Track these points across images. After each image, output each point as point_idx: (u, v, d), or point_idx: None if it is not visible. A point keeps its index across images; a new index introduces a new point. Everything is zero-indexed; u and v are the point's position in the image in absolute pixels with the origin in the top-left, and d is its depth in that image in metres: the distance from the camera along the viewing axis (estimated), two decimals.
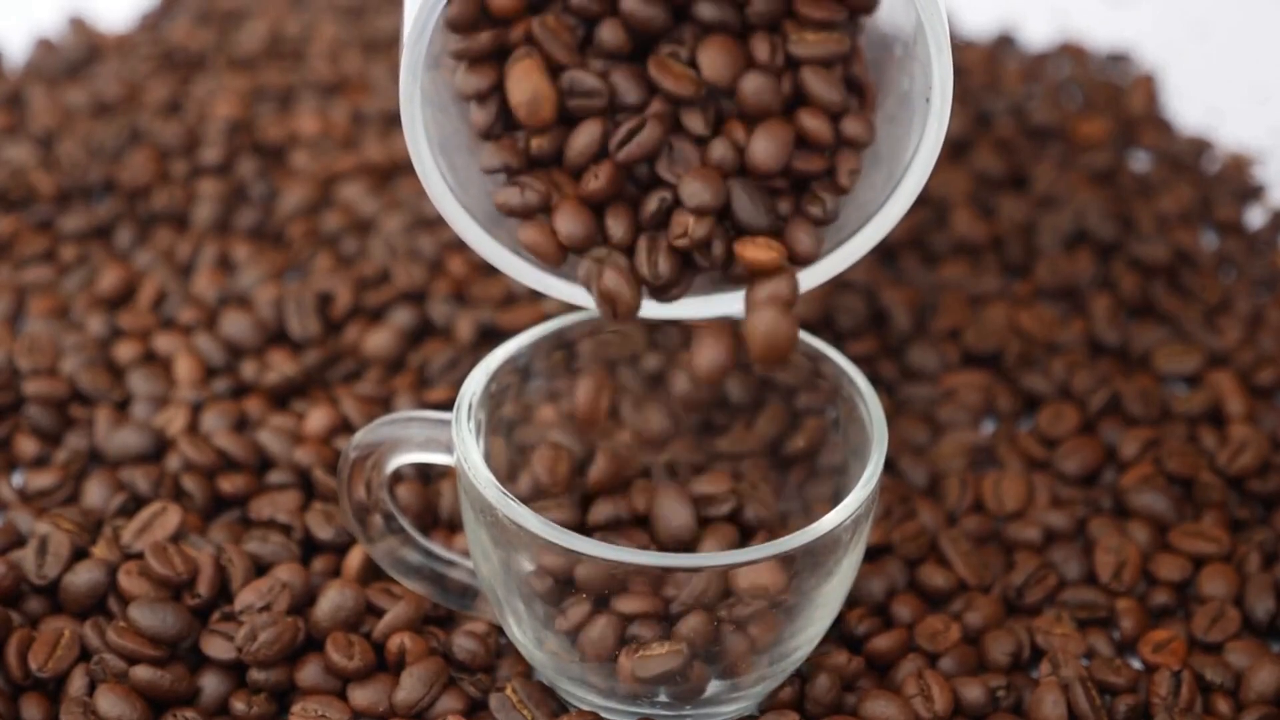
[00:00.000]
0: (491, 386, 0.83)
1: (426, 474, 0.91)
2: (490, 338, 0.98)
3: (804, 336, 0.85)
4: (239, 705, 0.81)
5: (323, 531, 0.88)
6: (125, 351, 0.98)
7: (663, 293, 0.81)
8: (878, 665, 0.84)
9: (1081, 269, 1.04)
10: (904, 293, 1.02)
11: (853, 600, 0.86)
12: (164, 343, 0.98)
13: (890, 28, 0.82)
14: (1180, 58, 1.24)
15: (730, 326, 0.83)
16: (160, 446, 0.92)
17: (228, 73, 1.18)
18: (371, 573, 0.86)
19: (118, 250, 1.05)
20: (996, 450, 0.95)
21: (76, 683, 0.81)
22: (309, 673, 0.82)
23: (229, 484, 0.90)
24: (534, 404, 0.86)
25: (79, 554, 0.86)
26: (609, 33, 0.79)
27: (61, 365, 0.96)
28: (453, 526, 0.89)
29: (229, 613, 0.83)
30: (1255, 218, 1.12)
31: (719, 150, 0.80)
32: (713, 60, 0.79)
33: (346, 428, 0.93)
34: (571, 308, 0.84)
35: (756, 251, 0.80)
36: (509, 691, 0.81)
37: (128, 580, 0.83)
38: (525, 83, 0.79)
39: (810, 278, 0.82)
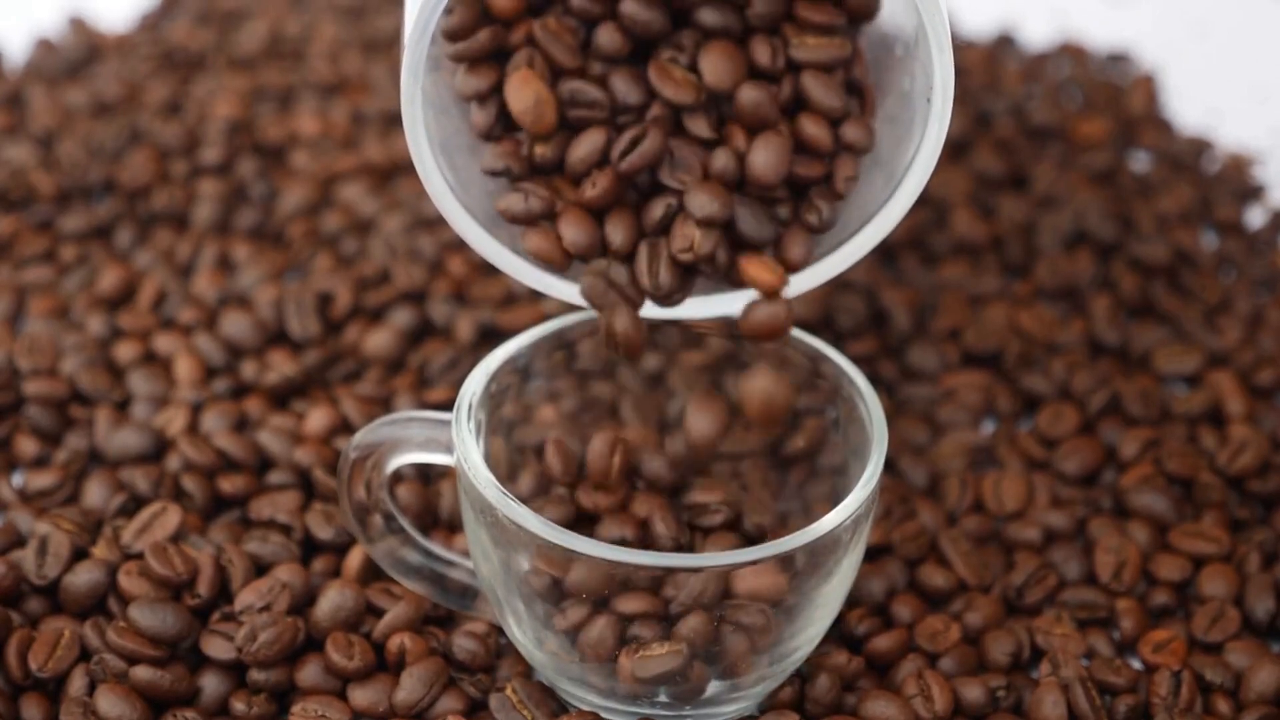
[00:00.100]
0: (491, 386, 0.83)
1: (426, 474, 0.91)
2: (490, 338, 0.98)
3: (804, 336, 0.85)
4: (239, 705, 0.81)
5: (323, 531, 0.88)
6: (125, 351, 0.98)
7: (664, 301, 0.81)
8: (878, 665, 0.84)
9: (1081, 269, 1.04)
10: (904, 293, 1.02)
11: (853, 600, 0.86)
12: (164, 343, 0.98)
13: (891, 27, 0.82)
14: (1180, 58, 1.24)
15: (723, 397, 0.84)
16: (160, 447, 0.92)
17: (228, 73, 1.18)
18: (371, 573, 0.86)
19: (118, 250, 1.05)
20: (996, 450, 0.95)
21: (76, 683, 0.81)
22: (309, 673, 0.82)
23: (229, 484, 0.90)
24: (534, 404, 0.86)
25: (79, 554, 0.86)
26: (606, 37, 0.79)
27: (61, 365, 0.96)
28: (453, 526, 0.89)
29: (229, 613, 0.83)
30: (1255, 218, 1.12)
31: (721, 160, 0.80)
32: (714, 66, 0.79)
33: (346, 428, 0.93)
34: (571, 308, 0.84)
35: (760, 271, 0.81)
36: (509, 691, 0.81)
37: (128, 580, 0.83)
38: (525, 91, 0.79)
39: (811, 278, 0.82)
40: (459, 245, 1.03)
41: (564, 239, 0.80)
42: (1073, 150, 1.14)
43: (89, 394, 0.95)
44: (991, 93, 1.18)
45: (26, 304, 1.01)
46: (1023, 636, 0.85)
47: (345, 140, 1.13)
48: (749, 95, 0.79)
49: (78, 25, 1.23)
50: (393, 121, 1.14)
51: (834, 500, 0.81)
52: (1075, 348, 1.00)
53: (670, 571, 0.76)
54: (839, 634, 0.85)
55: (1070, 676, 0.82)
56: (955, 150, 1.12)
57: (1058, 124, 1.15)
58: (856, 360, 0.95)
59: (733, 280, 0.82)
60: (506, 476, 0.85)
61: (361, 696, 0.81)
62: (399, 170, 1.10)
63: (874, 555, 0.88)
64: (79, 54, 1.20)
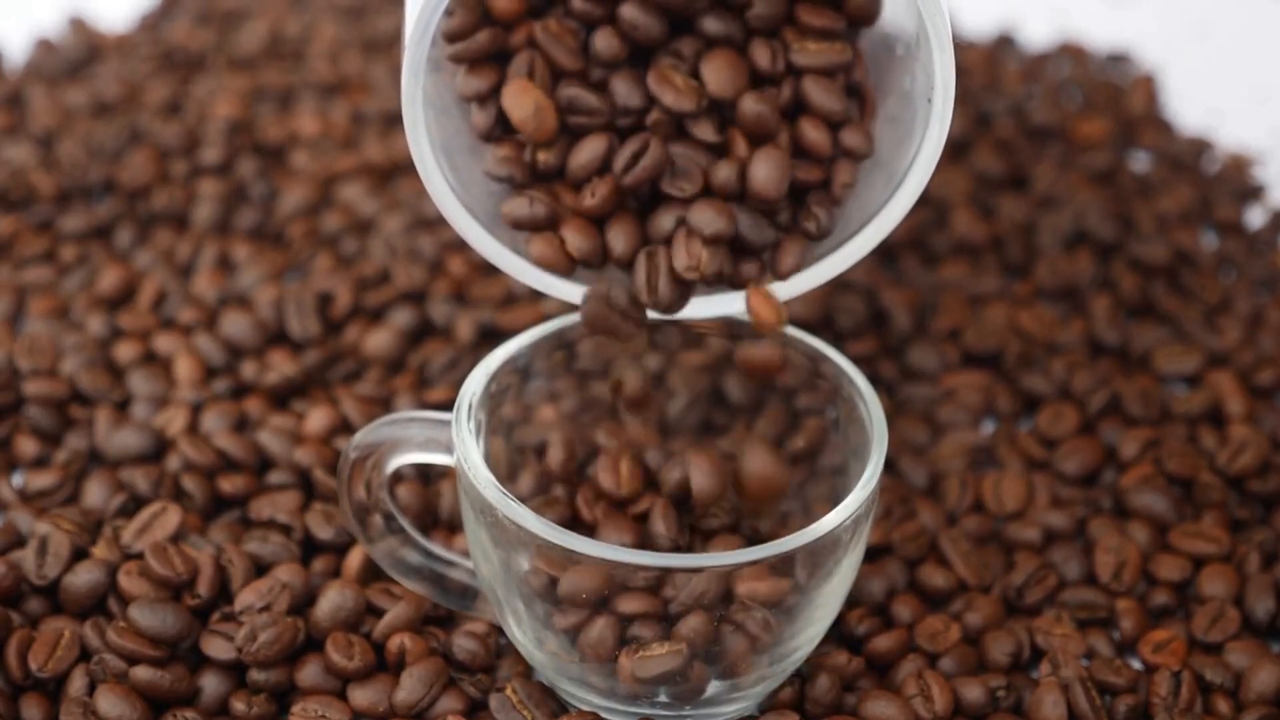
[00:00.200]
0: (491, 387, 0.83)
1: (426, 474, 0.91)
2: (490, 338, 0.98)
3: (804, 336, 0.85)
4: (239, 705, 0.81)
5: (323, 531, 0.88)
6: (125, 352, 0.98)
7: (664, 313, 0.82)
8: (878, 665, 0.84)
9: (1081, 269, 1.04)
10: (904, 293, 1.02)
11: (853, 600, 0.86)
12: (164, 343, 0.98)
13: (892, 27, 0.82)
14: (1180, 58, 1.24)
15: (723, 459, 0.84)
16: (160, 447, 0.92)
17: (228, 73, 1.18)
18: (371, 573, 0.86)
19: (118, 250, 1.05)
20: (996, 450, 0.95)
21: (76, 683, 0.81)
22: (309, 673, 0.82)
23: (229, 484, 0.90)
24: (534, 404, 0.86)
25: (79, 554, 0.86)
26: (604, 41, 0.79)
27: (61, 365, 0.96)
28: (453, 526, 0.89)
29: (229, 613, 0.83)
30: (1255, 218, 1.12)
31: (723, 173, 0.79)
32: (717, 74, 0.79)
33: (346, 428, 0.93)
34: (572, 308, 0.84)
35: (763, 309, 0.82)
36: (509, 691, 0.81)
37: (128, 580, 0.83)
38: (524, 99, 0.79)
39: (812, 278, 0.82)
40: (459, 245, 1.03)
41: (568, 244, 0.80)
42: (1073, 150, 1.14)
43: (89, 394, 0.95)
44: (991, 93, 1.18)
45: (26, 304, 1.01)
46: (1023, 636, 0.85)
47: (345, 140, 1.13)
48: (752, 107, 0.79)
49: (78, 25, 1.23)
50: (393, 121, 1.14)
51: (834, 500, 0.81)
52: (1075, 348, 1.00)
53: (670, 572, 0.76)
54: (839, 634, 0.85)
55: (1070, 676, 0.82)
56: (955, 150, 1.12)
57: (1058, 124, 1.15)
58: (856, 360, 0.95)
59: (732, 284, 0.82)
60: (506, 476, 0.85)
61: (361, 696, 0.81)
62: (399, 170, 1.10)
63: (874, 555, 0.88)
64: (79, 54, 1.20)
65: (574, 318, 0.85)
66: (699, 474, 0.83)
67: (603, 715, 0.80)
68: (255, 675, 0.82)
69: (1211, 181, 1.13)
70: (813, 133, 0.80)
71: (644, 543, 0.83)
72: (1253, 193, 1.13)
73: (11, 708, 0.81)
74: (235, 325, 0.99)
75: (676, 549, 0.83)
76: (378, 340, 0.98)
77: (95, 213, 1.07)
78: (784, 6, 0.79)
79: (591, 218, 0.80)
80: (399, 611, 0.83)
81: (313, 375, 0.97)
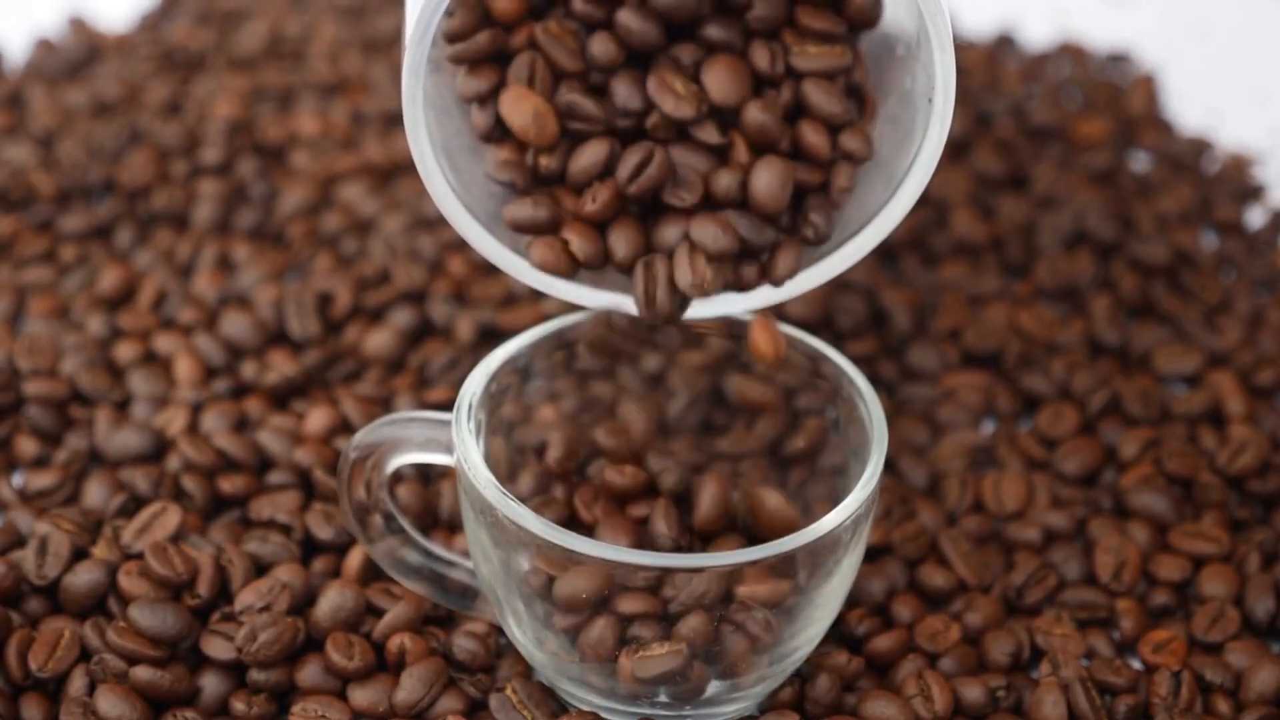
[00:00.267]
0: (491, 387, 0.83)
1: (426, 474, 0.91)
2: (490, 338, 0.98)
3: (804, 336, 0.85)
4: (239, 705, 0.81)
5: (323, 531, 0.88)
6: (125, 352, 0.98)
7: (662, 323, 0.82)
8: (878, 665, 0.84)
9: (1081, 269, 1.04)
10: (904, 293, 1.02)
11: (853, 600, 0.86)
12: (164, 343, 0.98)
13: (893, 27, 0.82)
14: (1180, 58, 1.24)
15: (727, 483, 0.84)
16: (160, 447, 0.92)
17: (228, 73, 1.18)
18: (371, 573, 0.86)
19: (118, 250, 1.05)
20: (996, 450, 0.95)
21: (76, 683, 0.81)
22: (309, 673, 0.82)
23: (229, 484, 0.90)
24: (534, 404, 0.86)
25: (79, 554, 0.86)
26: (601, 47, 0.79)
27: (61, 365, 0.96)
28: (453, 526, 0.89)
29: (229, 613, 0.83)
30: (1255, 218, 1.12)
31: (725, 181, 0.79)
32: (720, 82, 0.78)
33: (346, 428, 0.93)
34: (571, 308, 0.84)
35: (764, 342, 0.82)
36: (509, 691, 0.81)
37: (128, 580, 0.83)
38: (522, 105, 0.79)
39: (812, 278, 0.82)
40: (459, 245, 1.03)
41: (572, 247, 0.80)
42: (1073, 150, 1.14)
43: (89, 394, 0.95)
44: (991, 93, 1.18)
45: (26, 304, 1.01)
46: (1023, 636, 0.85)
47: (345, 140, 1.13)
48: (756, 116, 0.79)
49: (78, 25, 1.23)
50: (393, 121, 1.14)
51: (834, 500, 0.81)
52: (1075, 348, 1.00)
53: (670, 572, 0.76)
54: (839, 634, 0.85)
55: (1070, 676, 0.82)
56: (955, 150, 1.12)
57: (1058, 124, 1.15)
58: (856, 360, 0.95)
59: (732, 286, 0.82)
60: (506, 476, 0.85)
61: (361, 696, 0.81)
62: (399, 170, 1.10)
63: (874, 555, 0.88)
64: (79, 54, 1.20)
65: (574, 318, 0.86)
66: (705, 503, 0.83)
67: (603, 715, 0.80)
68: (255, 675, 0.82)
69: (1211, 181, 1.13)
70: (813, 136, 0.80)
71: (643, 543, 0.83)
72: (1253, 193, 1.13)
73: (11, 708, 0.81)
74: (235, 325, 0.99)
75: (677, 549, 0.83)
76: (378, 340, 0.98)
77: (95, 213, 1.07)
78: (784, 9, 0.79)
79: (593, 222, 0.80)
80: (399, 611, 0.83)
81: (313, 375, 0.97)
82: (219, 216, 1.06)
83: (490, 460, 0.82)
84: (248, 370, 0.97)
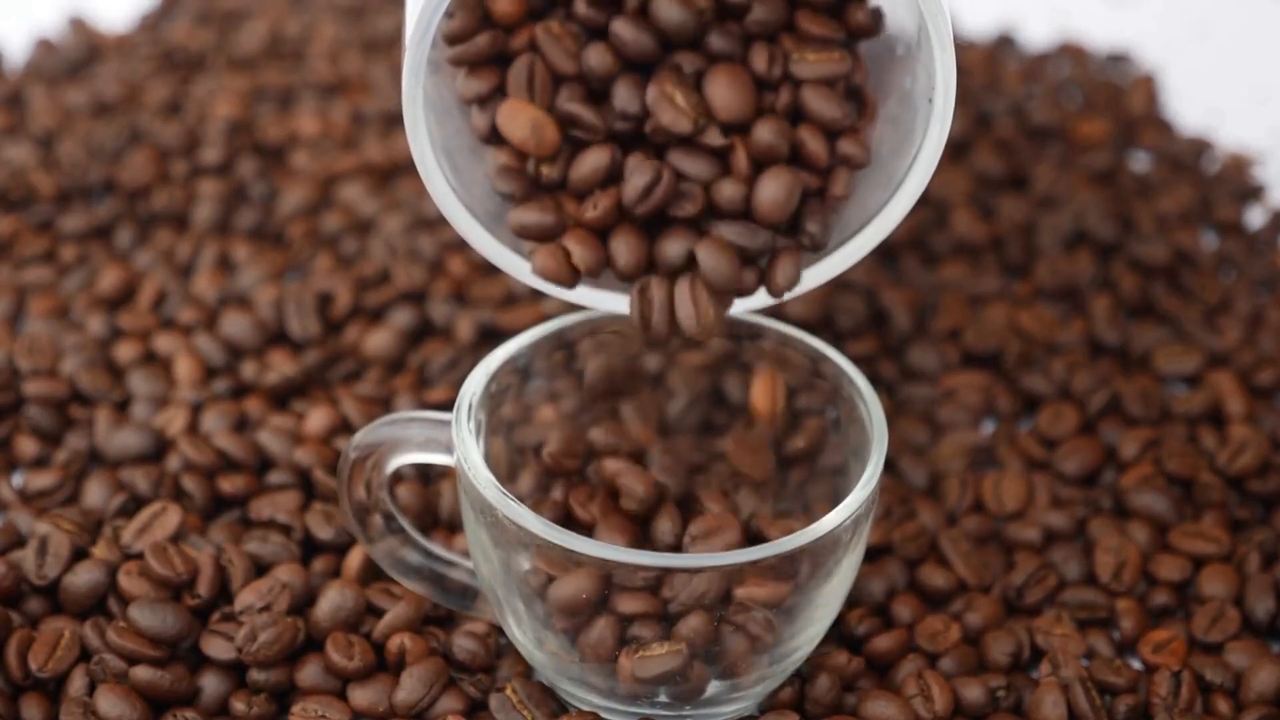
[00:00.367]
0: (491, 387, 0.83)
1: (426, 474, 0.91)
2: (490, 338, 0.98)
3: (804, 336, 0.85)
4: (239, 705, 0.81)
5: (323, 531, 0.88)
6: (125, 352, 0.98)
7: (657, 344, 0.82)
8: (878, 665, 0.84)
9: (1081, 269, 1.04)
10: (904, 293, 1.02)
11: (853, 600, 0.86)
12: (164, 343, 0.98)
13: (893, 27, 0.82)
14: (1180, 58, 1.24)
15: (737, 517, 0.83)
16: (160, 447, 0.92)
17: (228, 73, 1.18)
18: (371, 573, 0.86)
19: (118, 250, 1.05)
20: (996, 450, 0.95)
21: (76, 683, 0.81)
22: (309, 673, 0.82)
23: (229, 484, 0.90)
24: (534, 404, 0.86)
25: (79, 554, 0.86)
26: (597, 57, 0.79)
27: (61, 365, 0.96)
28: (453, 526, 0.89)
29: (229, 613, 0.83)
30: (1255, 218, 1.12)
31: (728, 190, 0.79)
32: (724, 96, 0.78)
33: (346, 428, 0.93)
34: (572, 308, 0.84)
35: (763, 398, 0.83)
36: (509, 691, 0.81)
37: (128, 580, 0.83)
38: (520, 117, 0.79)
39: (812, 277, 0.82)
40: (459, 245, 1.03)
41: (574, 257, 0.80)
42: (1073, 150, 1.14)
43: (89, 394, 0.95)
44: (991, 93, 1.18)
45: (26, 304, 1.01)
46: (1023, 636, 0.85)
47: (345, 140, 1.13)
48: (765, 138, 0.78)
49: (78, 25, 1.23)
50: (393, 121, 1.14)
51: (834, 500, 0.81)
52: (1075, 348, 1.00)
53: (670, 572, 0.76)
54: (839, 634, 0.85)
55: (1070, 676, 0.82)
56: (955, 150, 1.12)
57: (1058, 124, 1.15)
58: (856, 360, 0.95)
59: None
60: (506, 476, 0.85)
61: (361, 696, 0.81)
62: (399, 170, 1.10)
63: (874, 555, 0.88)
64: (79, 54, 1.20)
65: (574, 318, 0.86)
66: (715, 540, 0.82)
67: (603, 715, 0.80)
68: (255, 675, 0.82)
69: (1211, 181, 1.13)
70: (812, 142, 0.79)
71: (643, 542, 0.83)
72: (1253, 193, 1.13)
73: (11, 708, 0.81)
74: (235, 325, 0.99)
75: (676, 549, 0.83)
76: (378, 340, 0.98)
77: (95, 213, 1.07)
78: (784, 13, 0.79)
79: (595, 229, 0.80)
80: (399, 611, 0.83)
81: (313, 375, 0.97)
82: (219, 216, 1.06)
83: (490, 460, 0.82)
84: (248, 370, 0.97)
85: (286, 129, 1.12)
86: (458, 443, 0.79)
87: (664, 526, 0.83)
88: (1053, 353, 1.00)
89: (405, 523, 0.83)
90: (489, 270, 1.01)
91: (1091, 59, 1.23)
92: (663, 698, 0.79)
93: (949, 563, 0.88)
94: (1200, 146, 1.15)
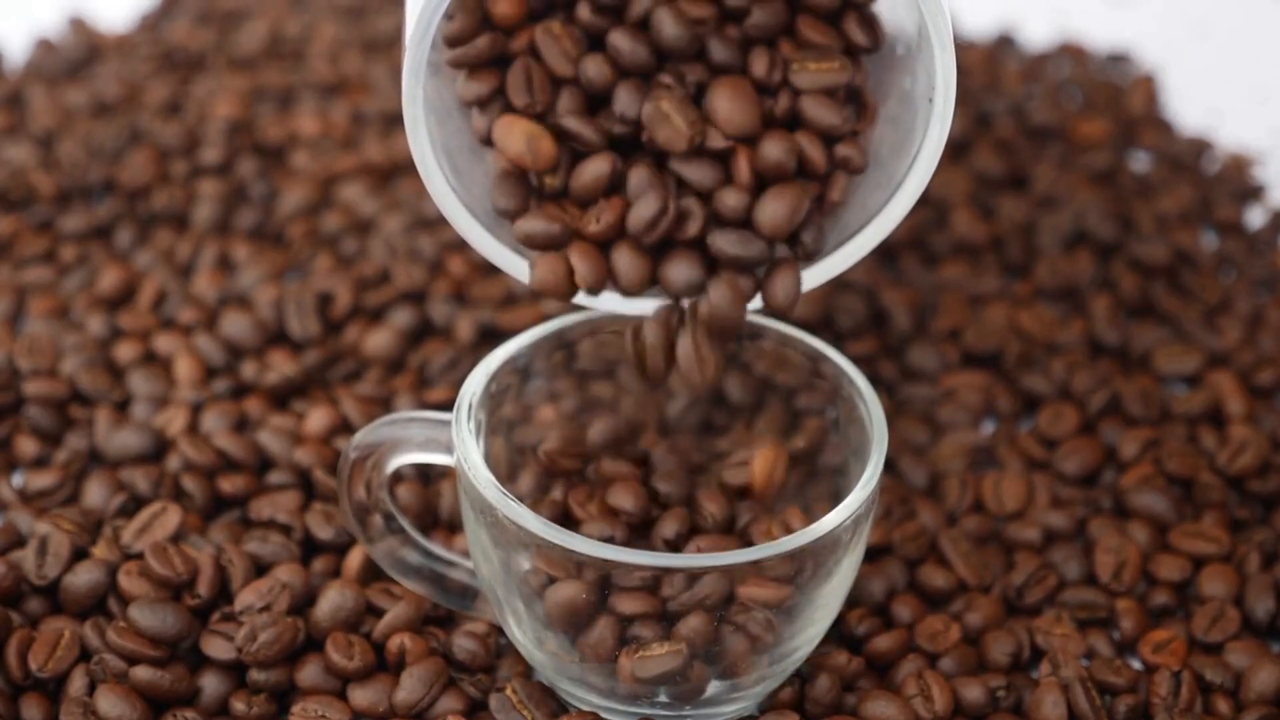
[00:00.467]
0: (491, 387, 0.83)
1: (426, 474, 0.91)
2: (490, 338, 0.98)
3: (804, 336, 0.85)
4: (239, 705, 0.81)
5: (323, 531, 0.88)
6: (125, 352, 0.98)
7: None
8: (878, 665, 0.84)
9: (1081, 269, 1.04)
10: (904, 293, 1.02)
11: (853, 600, 0.86)
12: (164, 343, 0.98)
13: (893, 27, 0.82)
14: (1180, 58, 1.24)
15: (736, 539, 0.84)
16: (160, 447, 0.92)
17: (228, 73, 1.18)
18: (371, 573, 0.86)
19: (118, 250, 1.05)
20: (996, 450, 0.95)
21: (76, 683, 0.81)
22: (309, 673, 0.82)
23: (229, 484, 0.90)
24: (534, 404, 0.86)
25: (79, 554, 0.86)
26: (595, 69, 0.79)
27: (61, 365, 0.96)
28: (453, 526, 0.89)
29: (229, 613, 0.83)
30: (1255, 218, 1.12)
31: (732, 200, 0.79)
32: (730, 113, 0.78)
33: (346, 428, 0.93)
34: (572, 307, 0.84)
35: (762, 475, 0.83)
36: (509, 691, 0.81)
37: (128, 580, 0.83)
38: (514, 133, 0.79)
39: (812, 277, 0.82)
40: (459, 245, 1.03)
41: (577, 274, 0.80)
42: (1073, 150, 1.14)
43: (89, 394, 0.95)
44: (991, 93, 1.18)
45: (26, 304, 1.01)
46: (1023, 636, 0.85)
47: (345, 140, 1.13)
48: (774, 154, 0.78)
49: (78, 25, 1.23)
50: (393, 121, 1.14)
51: (834, 500, 0.81)
52: (1075, 348, 1.00)
53: (669, 572, 0.76)
54: (839, 634, 0.85)
55: (1070, 676, 0.82)
56: (955, 150, 1.12)
57: (1058, 124, 1.15)
58: (856, 360, 0.95)
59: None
60: (506, 476, 0.85)
61: (361, 696, 0.81)
62: (399, 170, 1.10)
63: (874, 555, 0.88)
64: (79, 54, 1.20)
65: (574, 318, 0.85)
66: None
67: (603, 715, 0.80)
68: (255, 675, 0.82)
69: (1211, 181, 1.13)
70: (811, 149, 0.79)
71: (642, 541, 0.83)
72: (1253, 193, 1.13)
73: (11, 708, 0.81)
74: (235, 325, 0.99)
75: (675, 548, 0.83)
76: (378, 340, 0.98)
77: (95, 213, 1.07)
78: (783, 17, 0.79)
79: (597, 241, 0.80)
80: (399, 611, 0.83)
81: (313, 375, 0.97)
82: (219, 216, 1.06)
83: (490, 460, 0.82)
84: (248, 370, 0.97)
85: (286, 129, 1.12)
86: (458, 443, 0.79)
87: (665, 527, 0.83)
88: (1053, 353, 1.00)
89: (405, 523, 0.83)
90: (489, 270, 1.01)
91: (1091, 59, 1.23)
92: (663, 698, 0.79)
93: (949, 563, 0.88)
94: (1200, 146, 1.15)
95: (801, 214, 0.79)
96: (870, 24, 0.79)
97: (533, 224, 0.80)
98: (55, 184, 1.08)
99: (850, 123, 0.80)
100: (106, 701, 0.80)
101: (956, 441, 0.94)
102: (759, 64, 0.79)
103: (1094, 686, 0.82)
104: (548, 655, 0.80)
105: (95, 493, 0.90)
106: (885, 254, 1.05)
